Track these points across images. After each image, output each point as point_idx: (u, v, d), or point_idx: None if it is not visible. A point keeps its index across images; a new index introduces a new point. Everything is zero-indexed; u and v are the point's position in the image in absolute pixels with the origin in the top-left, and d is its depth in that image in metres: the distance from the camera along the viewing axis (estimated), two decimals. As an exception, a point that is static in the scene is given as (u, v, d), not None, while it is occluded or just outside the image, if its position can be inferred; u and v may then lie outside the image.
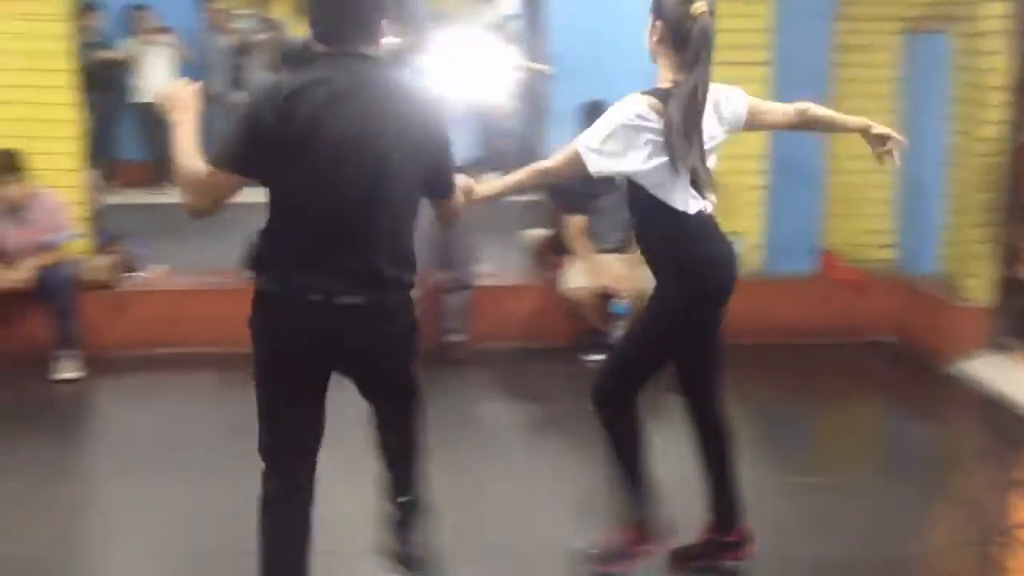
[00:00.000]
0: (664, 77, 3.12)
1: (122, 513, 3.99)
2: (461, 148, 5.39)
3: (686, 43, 2.99)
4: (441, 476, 4.25)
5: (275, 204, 2.70)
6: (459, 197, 2.99)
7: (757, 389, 5.42)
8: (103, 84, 8.78)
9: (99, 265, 5.65)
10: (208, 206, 2.68)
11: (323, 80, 2.62)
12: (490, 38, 5.94)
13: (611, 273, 5.56)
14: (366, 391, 2.98)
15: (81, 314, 5.40)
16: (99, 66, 8.80)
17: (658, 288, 3.29)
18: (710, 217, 3.20)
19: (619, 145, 3.05)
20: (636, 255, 5.54)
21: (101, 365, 5.39)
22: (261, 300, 2.73)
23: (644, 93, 3.08)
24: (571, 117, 6.38)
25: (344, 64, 2.66)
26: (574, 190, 5.69)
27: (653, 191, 3.10)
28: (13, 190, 5.16)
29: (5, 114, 5.50)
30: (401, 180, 2.69)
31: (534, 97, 10.18)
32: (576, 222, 5.67)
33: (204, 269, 6.24)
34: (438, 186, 2.85)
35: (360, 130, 2.60)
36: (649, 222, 3.21)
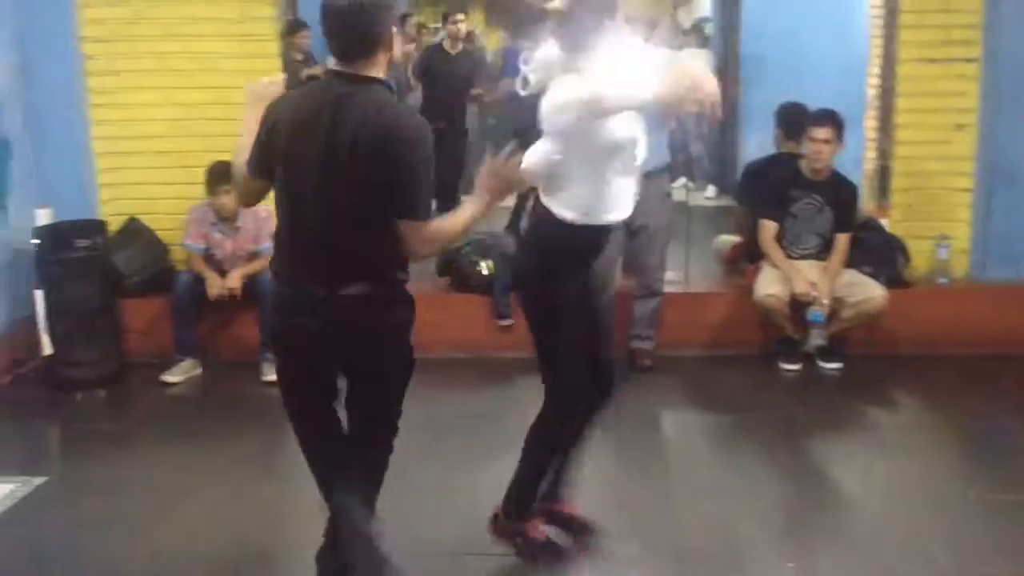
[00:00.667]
0: None
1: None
2: (654, 154, 5.41)
3: None
4: (629, 482, 4.29)
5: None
6: (433, 229, 2.79)
7: (961, 403, 5.18)
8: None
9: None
10: (246, 201, 3.10)
11: (303, 95, 2.85)
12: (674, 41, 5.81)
13: (806, 280, 5.42)
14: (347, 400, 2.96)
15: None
16: (305, 83, 9.23)
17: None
18: None
19: None
20: (833, 262, 5.45)
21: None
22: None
23: None
24: (765, 120, 6.29)
25: (329, 82, 2.81)
26: (769, 196, 5.60)
27: None
28: (228, 200, 5.45)
29: (223, 130, 5.80)
30: (350, 195, 2.72)
31: (726, 101, 10.03)
32: (769, 227, 5.56)
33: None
34: (396, 206, 2.74)
35: (314, 146, 2.72)
36: None
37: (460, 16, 9.21)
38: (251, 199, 3.05)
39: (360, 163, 2.69)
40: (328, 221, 2.74)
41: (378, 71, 2.78)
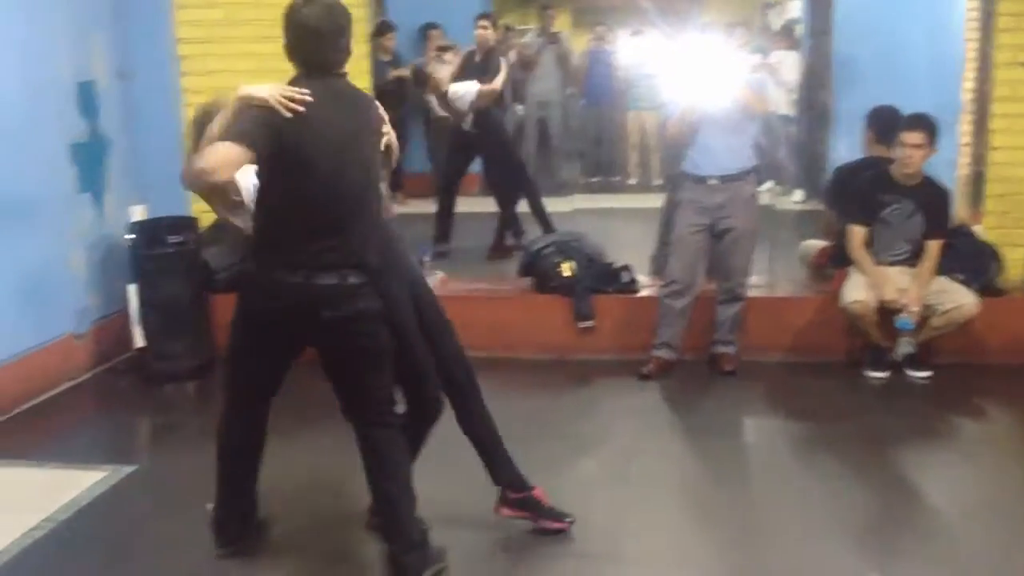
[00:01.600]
0: None
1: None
2: (737, 157, 5.36)
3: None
4: (710, 489, 4.25)
5: None
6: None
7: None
8: (394, 100, 9.30)
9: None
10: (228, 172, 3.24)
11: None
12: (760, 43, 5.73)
13: (895, 286, 5.31)
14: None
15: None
16: (392, 83, 9.34)
17: None
18: None
19: None
20: (923, 268, 5.32)
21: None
22: None
23: None
24: (856, 124, 6.17)
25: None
26: (858, 200, 5.49)
27: None
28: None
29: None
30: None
31: (817, 103, 9.89)
32: (858, 232, 5.45)
33: (483, 277, 6.47)
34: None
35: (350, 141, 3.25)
36: None
37: (484, 22, 7.90)
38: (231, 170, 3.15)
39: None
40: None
41: None
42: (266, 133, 3.03)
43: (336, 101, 3.22)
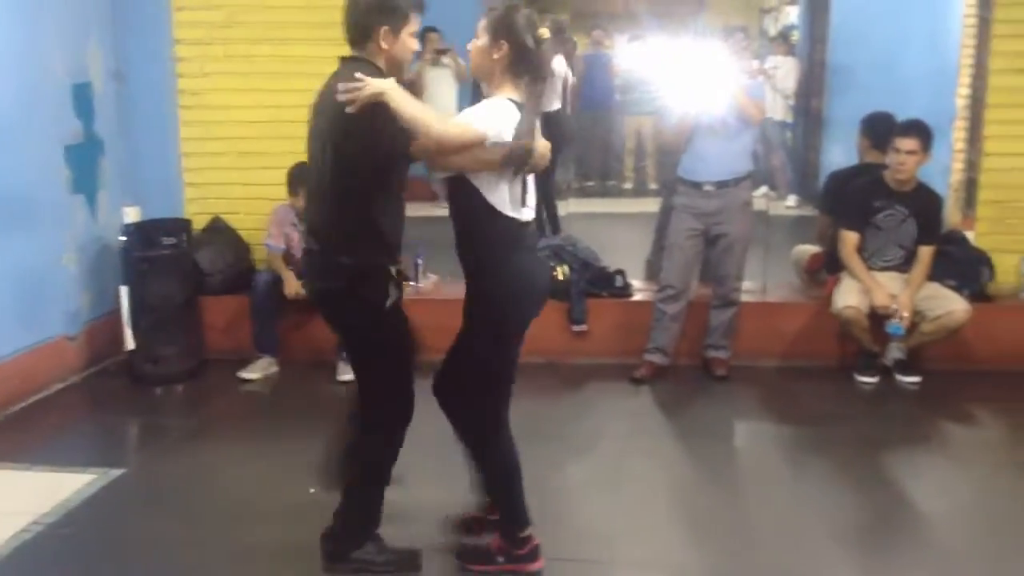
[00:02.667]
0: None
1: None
2: (732, 163, 5.37)
3: (530, 66, 3.16)
4: (702, 492, 4.25)
5: None
6: None
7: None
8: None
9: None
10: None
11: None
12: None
13: (887, 292, 5.31)
14: None
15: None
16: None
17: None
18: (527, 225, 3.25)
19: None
20: (915, 274, 5.33)
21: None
22: None
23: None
24: (850, 130, 6.18)
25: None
26: (851, 206, 5.50)
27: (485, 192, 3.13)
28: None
29: (300, 132, 5.94)
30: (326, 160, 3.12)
31: (812, 109, 9.91)
32: (851, 238, 5.46)
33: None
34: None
35: (315, 119, 3.24)
36: (474, 223, 3.20)
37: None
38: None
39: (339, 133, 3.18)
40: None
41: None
42: None
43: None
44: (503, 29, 3.15)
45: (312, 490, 3.90)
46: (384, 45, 3.16)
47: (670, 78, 5.75)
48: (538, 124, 3.17)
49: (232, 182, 6.12)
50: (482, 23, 3.20)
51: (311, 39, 5.88)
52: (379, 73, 3.11)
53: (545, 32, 3.17)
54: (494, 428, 3.37)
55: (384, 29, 3.14)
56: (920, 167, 5.37)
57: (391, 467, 3.39)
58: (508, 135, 3.06)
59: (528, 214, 3.23)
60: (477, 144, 3.05)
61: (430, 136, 3.00)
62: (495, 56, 3.17)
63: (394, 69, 3.20)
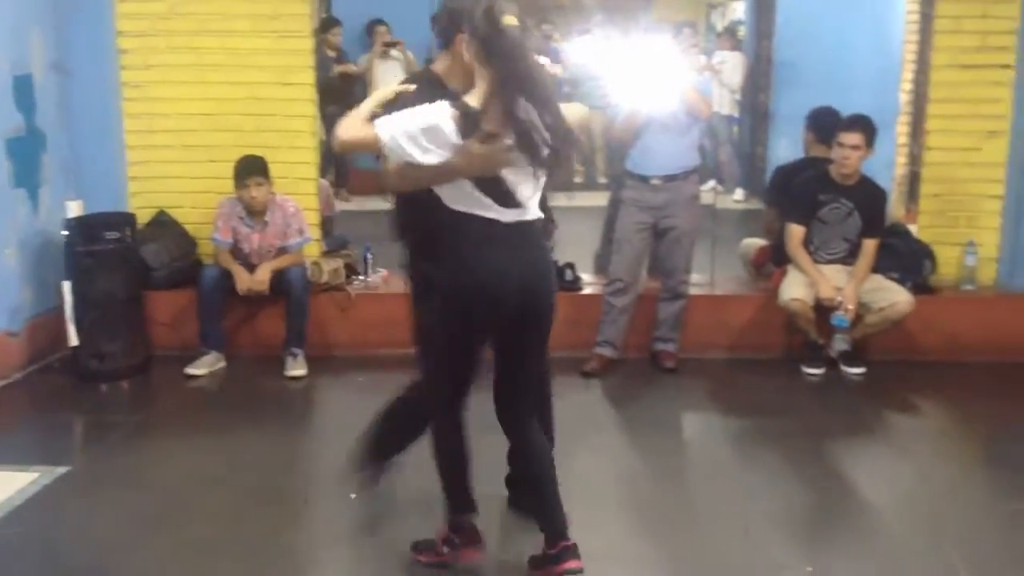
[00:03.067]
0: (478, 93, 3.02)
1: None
2: (680, 157, 5.40)
3: (498, 57, 2.96)
4: (649, 483, 4.28)
5: None
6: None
7: (986, 410, 5.13)
8: (339, 96, 9.25)
9: (328, 268, 5.92)
10: None
11: None
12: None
13: (831, 285, 5.38)
14: None
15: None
16: (336, 79, 9.29)
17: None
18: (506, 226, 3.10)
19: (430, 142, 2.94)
20: (859, 267, 5.41)
21: (324, 364, 5.65)
22: None
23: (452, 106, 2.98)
24: (796, 125, 6.25)
25: None
26: (797, 199, 5.56)
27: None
28: (262, 192, 5.49)
29: (254, 125, 5.90)
30: None
31: (758, 104, 10.00)
32: (796, 231, 5.52)
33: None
34: None
35: None
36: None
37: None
38: None
39: None
40: None
41: (440, 67, 3.29)
42: None
43: None
44: (459, 22, 3.10)
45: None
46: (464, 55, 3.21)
47: (619, 73, 5.76)
48: (557, 109, 3.05)
49: (177, 175, 6.04)
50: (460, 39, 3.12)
51: (256, 31, 5.84)
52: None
53: (511, 19, 2.97)
54: (438, 412, 3.40)
55: (460, 35, 3.16)
56: (864, 161, 5.45)
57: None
58: (426, 138, 2.93)
59: (513, 215, 3.08)
60: (371, 142, 2.97)
61: (336, 137, 3.04)
62: (467, 57, 3.05)
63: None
